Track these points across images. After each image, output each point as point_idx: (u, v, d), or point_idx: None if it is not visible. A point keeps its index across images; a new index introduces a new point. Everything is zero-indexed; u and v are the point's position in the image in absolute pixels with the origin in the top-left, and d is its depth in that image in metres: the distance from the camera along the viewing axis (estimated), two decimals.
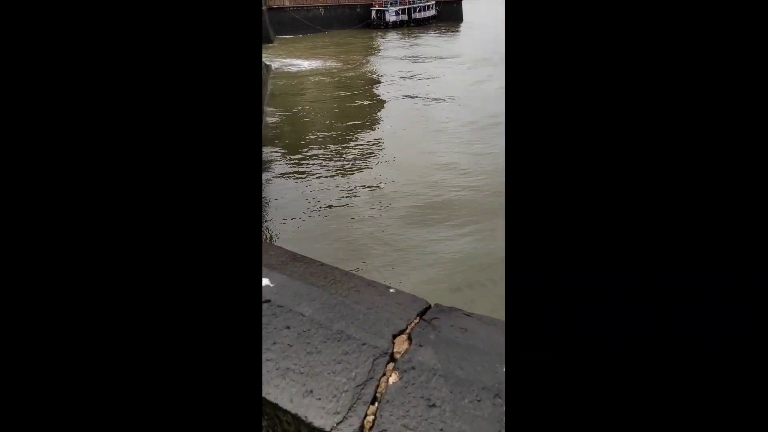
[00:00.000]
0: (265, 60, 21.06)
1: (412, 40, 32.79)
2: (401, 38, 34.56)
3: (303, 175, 9.69)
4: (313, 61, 23.68)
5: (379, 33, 36.93)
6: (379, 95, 17.04)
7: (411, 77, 20.12)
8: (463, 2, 49.86)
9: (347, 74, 20.85)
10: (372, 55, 26.95)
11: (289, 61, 23.73)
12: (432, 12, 43.21)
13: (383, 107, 15.36)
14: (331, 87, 17.89)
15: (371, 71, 21.85)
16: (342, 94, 16.75)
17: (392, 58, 24.98)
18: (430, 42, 31.53)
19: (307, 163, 10.40)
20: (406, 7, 40.73)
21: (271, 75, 18.83)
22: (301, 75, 20.63)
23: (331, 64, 23.14)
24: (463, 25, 45.56)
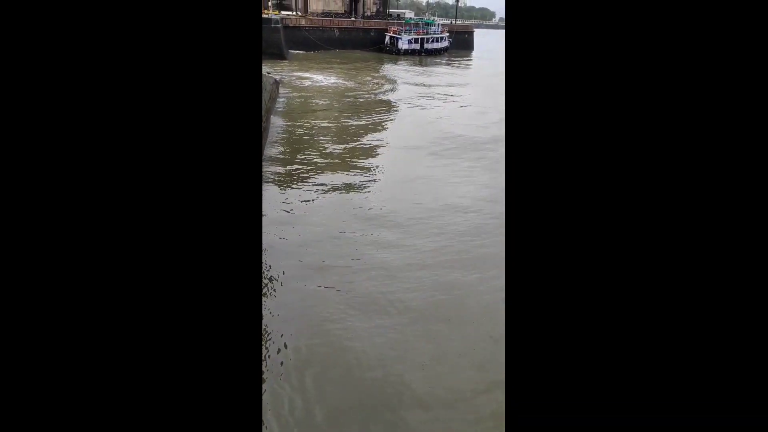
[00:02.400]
0: (275, 75, 21.19)
1: (423, 68, 33.34)
2: (412, 66, 35.12)
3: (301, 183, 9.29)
4: (324, 77, 23.88)
5: (390, 58, 37.57)
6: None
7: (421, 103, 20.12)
8: (474, 33, 51.21)
9: (357, 93, 20.87)
10: (380, 77, 27.23)
11: (300, 75, 23.93)
12: (445, 44, 44.20)
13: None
14: (338, 107, 17.83)
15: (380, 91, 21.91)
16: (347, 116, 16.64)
17: (402, 83, 25.19)
18: (441, 72, 31.99)
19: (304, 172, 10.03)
20: (420, 37, 41.65)
21: (280, 91, 18.82)
22: (312, 90, 20.64)
23: (342, 82, 23.26)
24: (473, 53, 46.54)
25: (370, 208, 8.13)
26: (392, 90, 21.91)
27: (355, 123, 15.00)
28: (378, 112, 17.09)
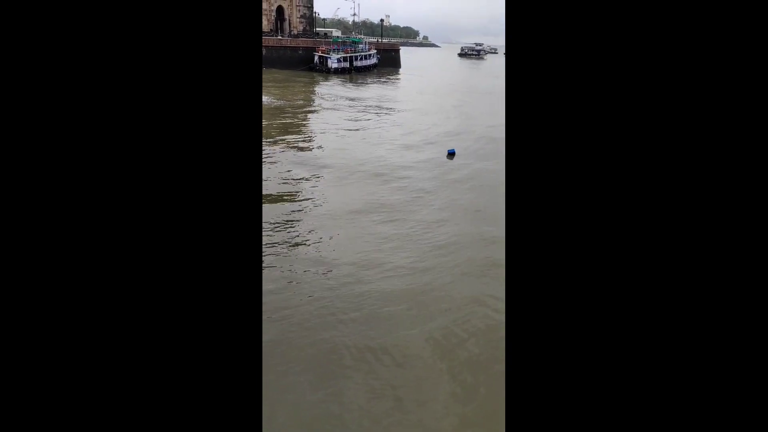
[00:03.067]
0: None
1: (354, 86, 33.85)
2: (344, 83, 35.53)
3: None
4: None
5: (321, 76, 37.71)
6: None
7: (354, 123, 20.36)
8: (400, 50, 53.34)
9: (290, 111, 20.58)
10: (313, 96, 27.17)
11: None
12: (373, 60, 45.44)
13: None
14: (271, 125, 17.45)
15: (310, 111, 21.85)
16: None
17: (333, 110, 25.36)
18: (372, 88, 32.76)
19: None
20: (349, 55, 42.41)
21: None
22: None
23: (272, 101, 22.83)
24: (401, 70, 48.37)
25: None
26: (328, 109, 21.90)
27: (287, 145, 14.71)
28: (310, 133, 16.96)
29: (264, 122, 17.18)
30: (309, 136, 16.17)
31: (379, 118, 19.53)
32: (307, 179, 10.89)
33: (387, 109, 22.51)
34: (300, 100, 24.27)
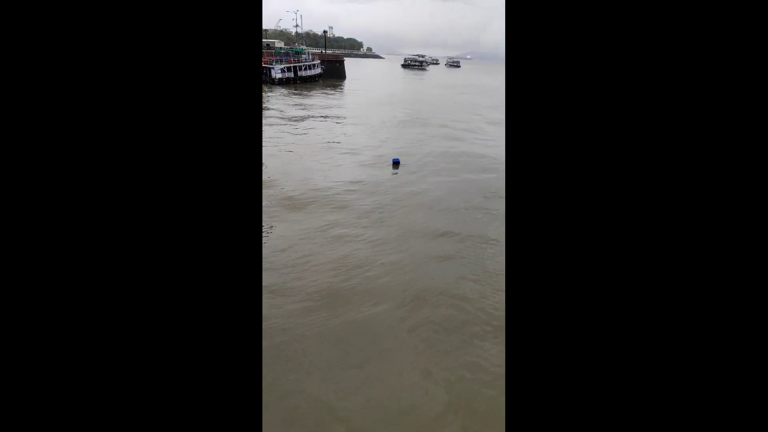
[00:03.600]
0: None
1: (299, 98, 33.49)
2: (289, 94, 35.07)
3: None
4: None
5: (265, 87, 36.99)
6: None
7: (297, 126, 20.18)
8: (345, 62, 53.76)
9: None
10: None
11: None
12: (318, 70, 45.40)
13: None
14: None
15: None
16: None
17: (279, 113, 24.97)
18: (318, 100, 32.67)
19: None
20: (293, 65, 42.06)
21: None
22: None
23: None
24: (346, 81, 48.75)
25: None
26: (274, 123, 21.53)
27: None
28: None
29: None
30: None
31: (325, 131, 19.53)
32: None
33: (334, 119, 22.59)
34: None
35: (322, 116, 23.02)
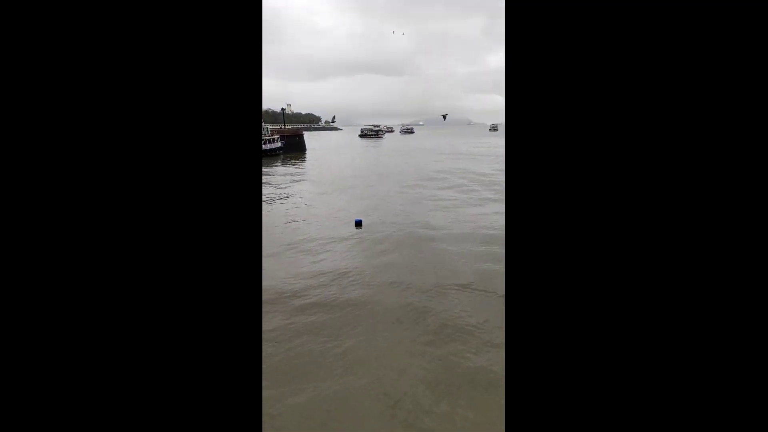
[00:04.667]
0: None
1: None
2: None
3: None
4: None
5: None
6: None
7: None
8: (304, 135, 56.09)
9: None
10: None
11: None
12: (278, 144, 47.04)
13: None
14: None
15: None
16: None
17: None
18: (279, 172, 33.22)
19: None
20: None
21: None
22: None
23: None
24: (307, 153, 50.53)
25: None
26: None
27: None
28: None
29: None
30: None
31: (286, 201, 19.89)
32: None
33: (295, 189, 23.13)
34: None
35: (281, 186, 23.48)
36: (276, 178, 27.71)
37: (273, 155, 44.99)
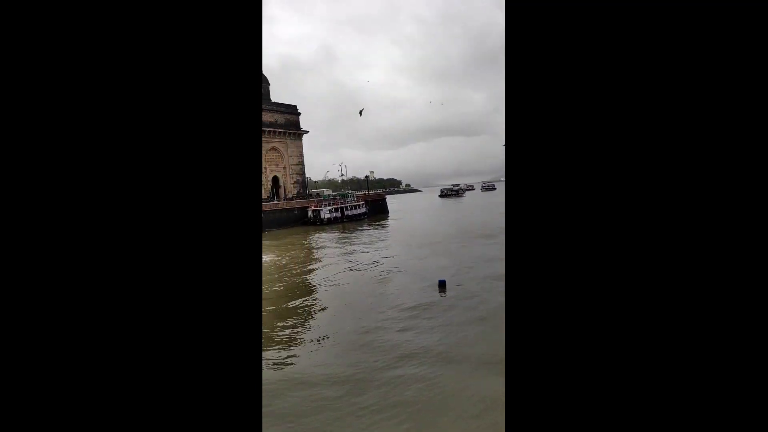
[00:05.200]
0: None
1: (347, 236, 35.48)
2: (337, 235, 37.49)
3: None
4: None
5: (315, 229, 40.20)
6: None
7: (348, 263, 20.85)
8: (386, 198, 58.39)
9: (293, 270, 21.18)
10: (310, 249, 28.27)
11: None
12: (363, 210, 49.41)
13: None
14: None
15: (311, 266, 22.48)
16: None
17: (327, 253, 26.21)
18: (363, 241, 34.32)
19: None
20: (340, 206, 46.32)
21: None
22: None
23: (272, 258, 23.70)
24: (390, 215, 52.05)
25: None
26: (320, 265, 22.59)
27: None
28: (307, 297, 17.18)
29: (268, 285, 17.45)
30: (309, 293, 16.29)
31: (372, 265, 20.09)
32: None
33: (378, 251, 23.42)
34: (300, 254, 25.30)
35: (366, 251, 23.96)
36: (363, 238, 28.51)
37: (359, 220, 47.12)
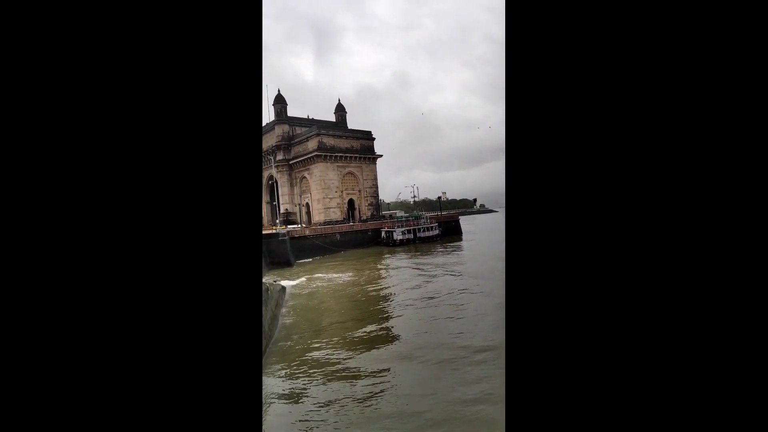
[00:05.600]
0: (284, 281, 22.40)
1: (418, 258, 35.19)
2: (410, 256, 37.44)
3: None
4: (333, 275, 25.12)
5: (388, 250, 40.64)
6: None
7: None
8: (460, 219, 57.17)
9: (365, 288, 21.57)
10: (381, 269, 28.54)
11: (311, 277, 25.13)
12: (435, 231, 48.93)
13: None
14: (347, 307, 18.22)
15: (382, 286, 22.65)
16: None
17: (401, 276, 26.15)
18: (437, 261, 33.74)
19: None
20: (412, 228, 46.46)
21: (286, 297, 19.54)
22: (319, 291, 21.36)
23: (348, 278, 24.37)
24: (463, 236, 50.73)
25: None
26: (392, 290, 22.65)
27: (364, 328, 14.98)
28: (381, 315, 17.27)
29: (343, 307, 17.99)
30: (383, 317, 16.38)
31: (447, 290, 19.60)
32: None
33: (454, 273, 22.82)
34: (374, 274, 25.74)
35: (442, 273, 23.48)
36: (436, 259, 28.08)
37: (432, 241, 46.69)
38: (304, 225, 48.20)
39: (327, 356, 10.82)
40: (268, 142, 56.41)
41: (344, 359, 10.50)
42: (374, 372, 9.42)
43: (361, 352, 10.97)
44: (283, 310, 16.75)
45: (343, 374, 9.47)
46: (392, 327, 13.35)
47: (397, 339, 11.94)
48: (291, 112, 57.31)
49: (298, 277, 25.80)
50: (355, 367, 9.83)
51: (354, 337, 12.29)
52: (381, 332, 12.73)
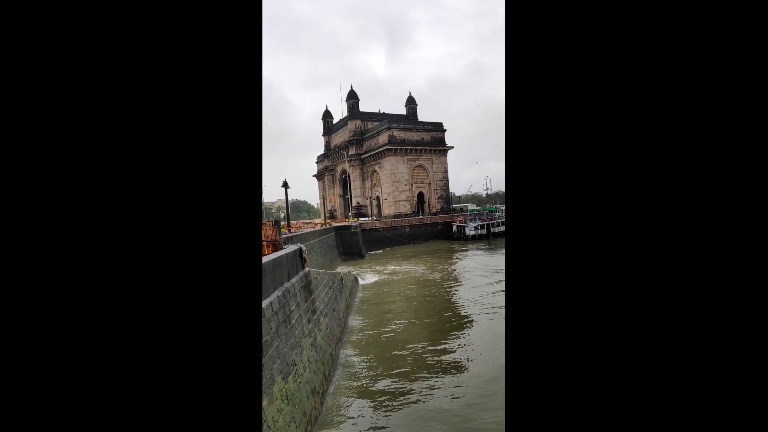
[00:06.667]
0: (356, 271, 22.70)
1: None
2: (484, 252, 36.06)
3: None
4: (402, 267, 24.97)
5: (460, 245, 39.47)
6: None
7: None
8: None
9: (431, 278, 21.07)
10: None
11: (377, 269, 25.28)
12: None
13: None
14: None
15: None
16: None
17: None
18: None
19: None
20: (486, 222, 44.62)
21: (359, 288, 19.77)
22: (388, 283, 21.30)
23: (418, 271, 24.00)
24: None
25: None
26: (470, 285, 21.83)
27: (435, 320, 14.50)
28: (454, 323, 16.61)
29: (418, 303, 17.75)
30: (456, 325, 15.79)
31: None
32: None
33: None
34: (448, 269, 25.09)
35: None
36: None
37: (503, 236, 44.44)
38: (374, 218, 48.87)
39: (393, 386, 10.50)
40: (342, 137, 58.01)
41: (414, 388, 10.09)
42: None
43: (437, 376, 10.46)
44: (356, 300, 16.90)
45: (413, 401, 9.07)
46: (470, 344, 12.65)
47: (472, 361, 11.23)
48: (364, 107, 58.25)
49: (371, 269, 26.02)
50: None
51: (431, 360, 11.81)
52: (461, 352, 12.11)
